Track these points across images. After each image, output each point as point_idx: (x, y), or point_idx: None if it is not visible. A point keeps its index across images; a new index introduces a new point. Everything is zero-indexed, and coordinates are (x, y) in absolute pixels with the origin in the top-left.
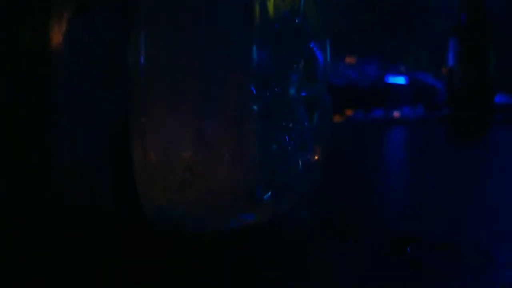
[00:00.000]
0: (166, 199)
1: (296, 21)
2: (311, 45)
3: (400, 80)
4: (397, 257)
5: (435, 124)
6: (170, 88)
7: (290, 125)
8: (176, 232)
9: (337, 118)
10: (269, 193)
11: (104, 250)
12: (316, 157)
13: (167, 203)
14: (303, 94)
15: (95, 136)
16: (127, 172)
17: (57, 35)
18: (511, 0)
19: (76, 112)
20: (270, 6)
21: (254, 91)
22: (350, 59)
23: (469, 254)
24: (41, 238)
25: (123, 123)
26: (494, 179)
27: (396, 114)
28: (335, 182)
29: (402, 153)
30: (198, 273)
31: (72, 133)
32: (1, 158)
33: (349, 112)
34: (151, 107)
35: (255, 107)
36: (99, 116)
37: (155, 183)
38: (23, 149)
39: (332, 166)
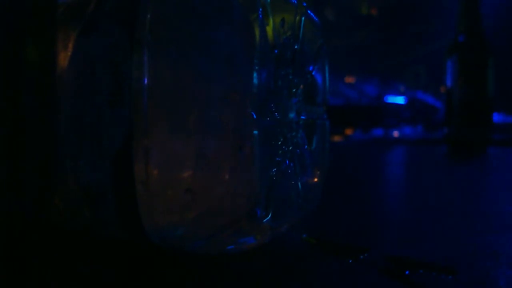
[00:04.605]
0: (167, 220)
1: (296, 46)
2: (310, 69)
3: (399, 99)
4: (396, 280)
5: (434, 143)
6: (172, 110)
7: (290, 148)
8: (177, 251)
9: (337, 138)
10: (269, 216)
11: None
12: (315, 179)
13: (168, 224)
14: (302, 117)
15: (98, 156)
16: (129, 192)
17: (62, 55)
18: (507, 19)
19: (80, 132)
20: (270, 32)
21: (255, 115)
22: (349, 79)
23: (468, 276)
24: (40, 255)
25: (126, 144)
26: (493, 199)
27: (395, 133)
28: (334, 202)
29: (402, 173)
30: None
31: (75, 153)
32: (2, 177)
33: (348, 132)
34: (153, 128)
35: (255, 131)
36: (102, 137)
37: (156, 203)
38: (24, 168)
39: (331, 185)
